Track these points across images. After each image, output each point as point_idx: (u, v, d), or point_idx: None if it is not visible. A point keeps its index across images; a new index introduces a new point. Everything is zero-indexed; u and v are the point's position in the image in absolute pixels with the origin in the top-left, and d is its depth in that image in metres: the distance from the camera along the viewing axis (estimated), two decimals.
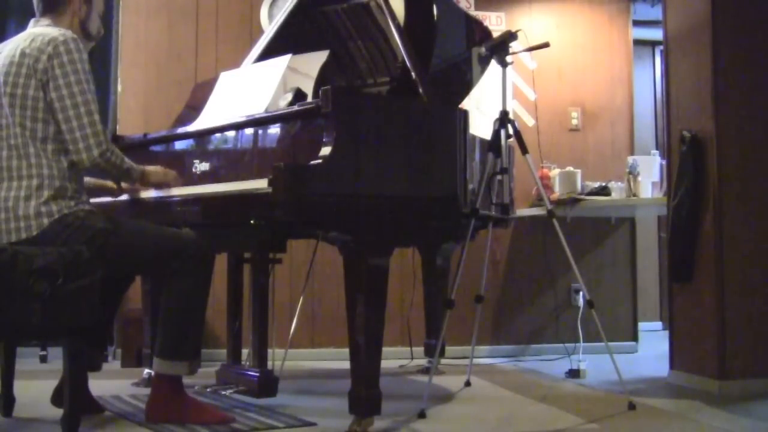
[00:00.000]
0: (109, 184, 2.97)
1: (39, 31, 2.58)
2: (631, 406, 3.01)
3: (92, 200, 2.75)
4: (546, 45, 3.44)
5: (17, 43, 2.57)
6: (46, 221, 2.47)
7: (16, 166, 2.51)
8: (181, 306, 2.62)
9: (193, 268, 2.61)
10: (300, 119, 2.58)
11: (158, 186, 2.85)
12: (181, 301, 2.61)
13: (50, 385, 2.77)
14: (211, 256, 2.71)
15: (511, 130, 3.30)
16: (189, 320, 2.64)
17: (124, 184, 2.92)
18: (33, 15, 2.69)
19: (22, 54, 2.51)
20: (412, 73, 2.88)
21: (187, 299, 2.62)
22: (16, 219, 2.47)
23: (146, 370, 3.41)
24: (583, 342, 4.36)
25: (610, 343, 3.26)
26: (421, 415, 2.84)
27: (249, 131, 2.79)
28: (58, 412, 2.47)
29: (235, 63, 3.46)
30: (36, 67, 2.49)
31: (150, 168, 2.79)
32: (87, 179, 2.79)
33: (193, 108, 3.26)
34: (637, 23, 5.19)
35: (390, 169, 2.55)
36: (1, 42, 2.76)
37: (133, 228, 2.62)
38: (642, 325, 5.04)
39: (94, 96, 2.54)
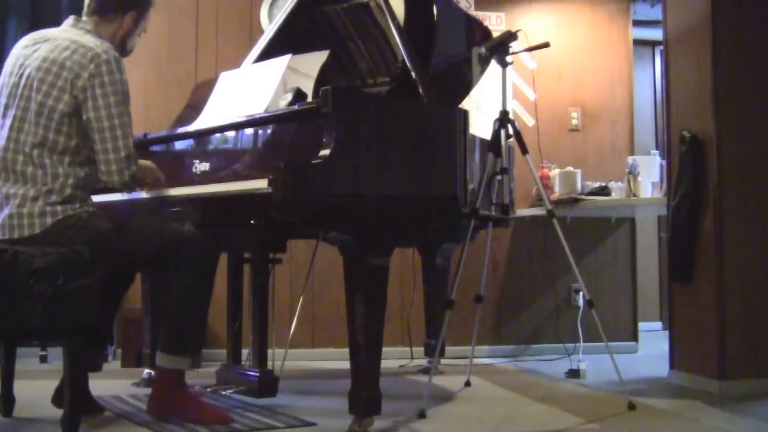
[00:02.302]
0: None
1: (80, 39, 2.57)
2: (631, 406, 3.01)
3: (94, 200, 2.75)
4: (546, 45, 3.44)
5: (56, 44, 2.55)
6: (49, 221, 2.48)
7: (31, 172, 2.52)
8: (184, 301, 2.62)
9: (195, 263, 2.61)
10: (300, 119, 2.58)
11: (151, 182, 2.85)
12: (184, 297, 2.61)
13: (50, 385, 2.77)
14: (214, 250, 2.71)
15: (511, 130, 3.30)
16: (192, 315, 2.65)
17: None
18: (32, 16, 2.66)
19: (62, 66, 2.51)
20: (412, 73, 2.88)
21: (190, 295, 2.62)
22: (19, 216, 2.48)
23: (146, 370, 3.41)
24: (583, 342, 4.36)
25: (610, 343, 3.26)
26: (421, 415, 2.84)
27: (249, 131, 2.79)
28: (58, 412, 2.47)
29: (235, 63, 3.46)
30: (75, 83, 2.49)
31: (145, 164, 2.80)
32: None
33: (193, 108, 3.26)
34: (637, 23, 5.19)
35: (390, 169, 2.55)
36: (2, 43, 2.75)
37: (135, 227, 2.63)
38: (642, 325, 5.04)
39: (130, 118, 2.58)
